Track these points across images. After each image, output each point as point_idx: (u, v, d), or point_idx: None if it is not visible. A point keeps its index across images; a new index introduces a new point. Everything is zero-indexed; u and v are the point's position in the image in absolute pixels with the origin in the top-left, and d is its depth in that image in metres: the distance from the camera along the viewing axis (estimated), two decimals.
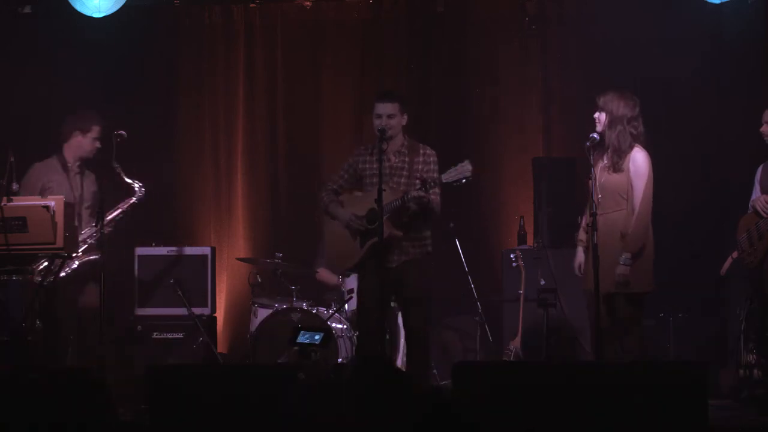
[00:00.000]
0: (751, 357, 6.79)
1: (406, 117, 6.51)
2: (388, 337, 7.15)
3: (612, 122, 6.24)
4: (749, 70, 7.94)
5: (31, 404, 4.52)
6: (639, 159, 6.21)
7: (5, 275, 6.47)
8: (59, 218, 6.27)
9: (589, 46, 8.25)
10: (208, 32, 8.84)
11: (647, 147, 6.26)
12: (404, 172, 6.43)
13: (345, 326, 7.54)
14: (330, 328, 7.19)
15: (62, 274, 6.75)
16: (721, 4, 7.50)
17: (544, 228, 7.82)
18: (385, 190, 6.13)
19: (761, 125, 6.41)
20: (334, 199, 6.59)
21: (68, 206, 6.38)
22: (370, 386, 4.02)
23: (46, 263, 6.64)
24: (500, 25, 8.64)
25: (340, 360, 7.33)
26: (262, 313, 7.59)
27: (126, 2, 7.79)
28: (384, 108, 6.45)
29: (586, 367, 5.47)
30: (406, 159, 6.46)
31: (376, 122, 6.43)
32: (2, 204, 6.23)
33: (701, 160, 8.03)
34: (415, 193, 6.22)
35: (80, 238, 6.93)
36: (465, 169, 6.16)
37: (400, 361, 7.39)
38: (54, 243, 6.27)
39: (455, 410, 3.63)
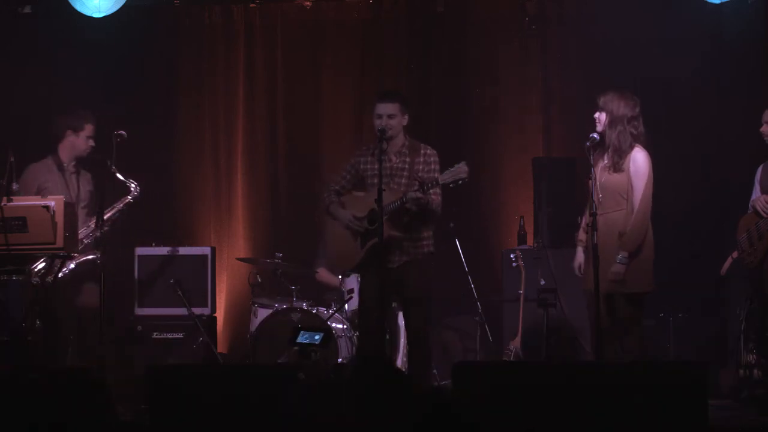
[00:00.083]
0: (751, 357, 6.79)
1: (406, 117, 6.50)
2: (388, 337, 7.16)
3: (612, 122, 6.23)
4: (749, 70, 7.94)
5: (31, 404, 4.51)
6: (639, 159, 6.21)
7: (5, 275, 6.47)
8: (59, 218, 6.27)
9: (589, 46, 8.24)
10: (208, 32, 8.83)
11: (647, 147, 6.26)
12: (405, 173, 6.42)
13: (345, 326, 7.53)
14: (330, 328, 7.18)
15: (60, 274, 6.75)
16: (721, 4, 7.50)
17: (544, 228, 7.82)
18: (385, 190, 6.13)
19: (761, 125, 6.41)
20: (335, 200, 6.59)
21: (68, 206, 6.37)
22: (370, 386, 4.02)
23: (43, 263, 6.63)
24: (500, 25, 8.63)
25: (340, 360, 7.33)
26: (262, 313, 7.58)
27: (126, 2, 7.79)
28: (384, 108, 6.44)
29: (586, 367, 5.47)
30: (407, 159, 6.45)
31: (377, 122, 6.43)
32: (2, 204, 6.23)
33: (701, 160, 8.03)
34: (413, 195, 6.21)
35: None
36: (461, 170, 6.15)
37: (400, 361, 7.39)
38: (54, 243, 6.27)
39: (455, 410, 3.62)
